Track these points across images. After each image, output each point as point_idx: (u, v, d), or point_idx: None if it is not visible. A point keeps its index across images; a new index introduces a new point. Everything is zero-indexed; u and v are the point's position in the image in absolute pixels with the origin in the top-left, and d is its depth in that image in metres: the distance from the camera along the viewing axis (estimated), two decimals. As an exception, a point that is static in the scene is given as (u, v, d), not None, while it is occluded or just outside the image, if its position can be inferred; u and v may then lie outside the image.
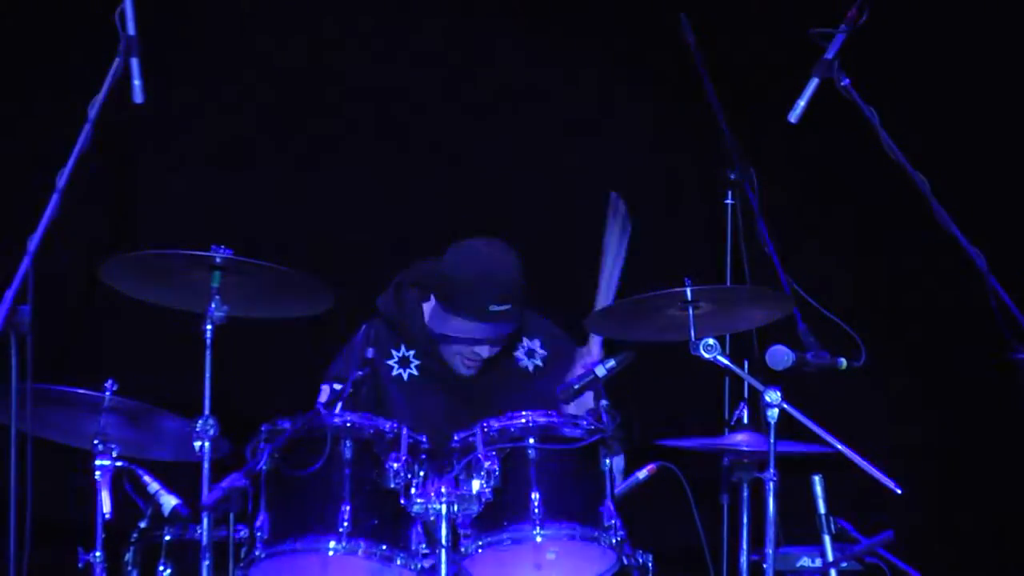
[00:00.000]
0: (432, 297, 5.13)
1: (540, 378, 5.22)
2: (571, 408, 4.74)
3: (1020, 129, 6.39)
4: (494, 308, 4.99)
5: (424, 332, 5.15)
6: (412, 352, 5.19)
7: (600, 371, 4.64)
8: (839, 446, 4.39)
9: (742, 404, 4.84)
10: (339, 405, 4.62)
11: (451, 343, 5.10)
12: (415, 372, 5.19)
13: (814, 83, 4.60)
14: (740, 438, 4.78)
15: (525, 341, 5.26)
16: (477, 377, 5.17)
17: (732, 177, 5.40)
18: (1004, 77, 6.40)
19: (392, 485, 4.38)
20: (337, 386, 4.93)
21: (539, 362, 5.25)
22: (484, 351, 5.10)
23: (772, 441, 4.41)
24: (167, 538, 4.69)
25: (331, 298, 4.69)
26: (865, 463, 4.37)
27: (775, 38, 6.14)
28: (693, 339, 4.53)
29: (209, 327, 4.49)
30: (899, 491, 4.36)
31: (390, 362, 5.18)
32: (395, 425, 4.45)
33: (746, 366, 4.82)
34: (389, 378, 5.14)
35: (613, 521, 4.39)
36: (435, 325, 5.11)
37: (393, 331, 5.19)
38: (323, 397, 5.02)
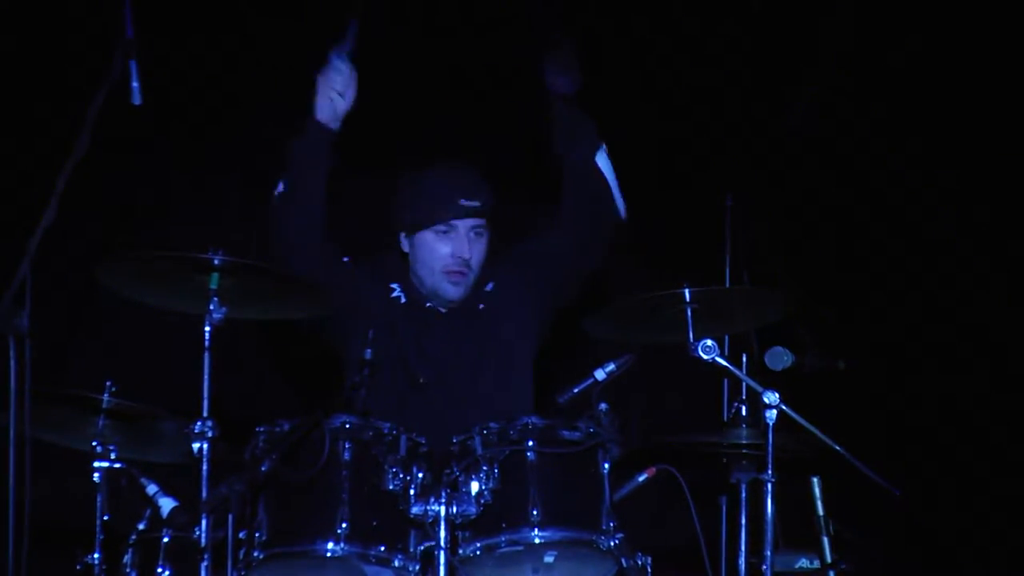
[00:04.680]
0: (405, 236, 5.15)
1: (495, 301, 5.17)
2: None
3: (1020, 129, 6.40)
4: (465, 203, 5.05)
5: (410, 281, 5.16)
6: (404, 292, 5.19)
7: (600, 375, 4.64)
8: (837, 448, 4.39)
9: (741, 398, 4.84)
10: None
11: (433, 254, 5.08)
12: (403, 301, 5.17)
13: (812, 89, 4.60)
14: (740, 432, 4.79)
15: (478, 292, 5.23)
16: (452, 334, 5.15)
17: (732, 179, 5.42)
18: (1004, 77, 6.41)
19: (391, 487, 4.39)
20: None
21: (489, 289, 5.19)
22: (465, 249, 5.06)
23: (770, 442, 4.41)
24: (165, 540, 4.70)
25: (331, 300, 4.70)
26: (862, 465, 4.37)
27: (775, 41, 6.16)
28: (691, 340, 4.53)
29: (207, 329, 4.49)
30: (896, 492, 4.36)
31: (391, 284, 5.17)
32: (394, 427, 4.46)
33: (744, 367, 4.83)
34: (388, 300, 5.13)
35: (611, 524, 4.39)
36: (419, 254, 5.12)
37: (387, 272, 5.21)
38: None
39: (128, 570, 4.72)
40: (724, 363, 4.52)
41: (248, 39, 6.31)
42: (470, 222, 5.08)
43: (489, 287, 5.18)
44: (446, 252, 5.07)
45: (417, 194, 5.12)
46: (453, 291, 5.11)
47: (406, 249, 5.18)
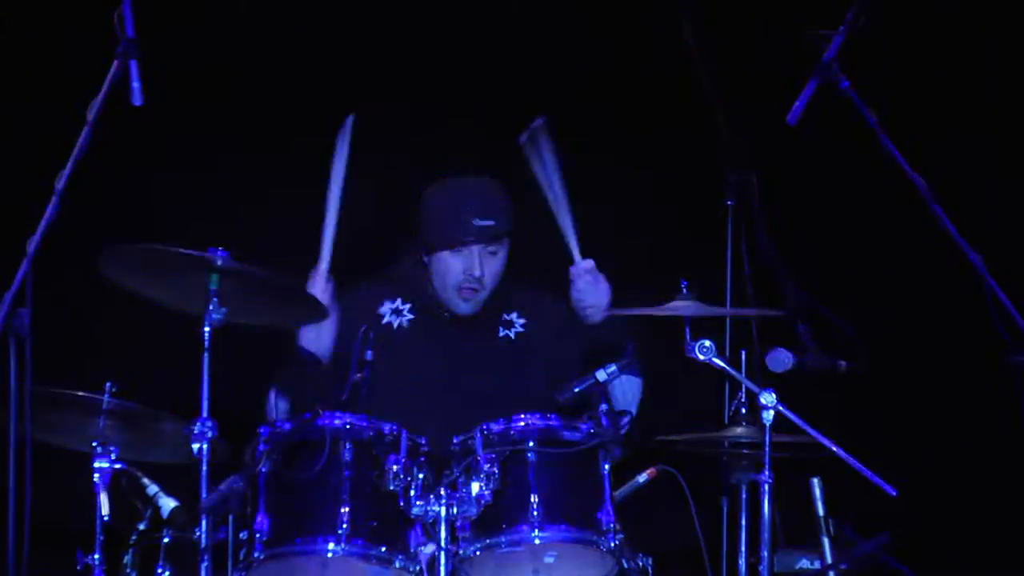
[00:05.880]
0: (424, 248, 5.22)
1: (525, 342, 5.22)
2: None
3: (1019, 129, 6.39)
4: (478, 223, 5.08)
5: (425, 290, 5.21)
6: (408, 306, 5.21)
7: (601, 376, 4.63)
8: (834, 448, 4.39)
9: (740, 394, 4.83)
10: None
11: (447, 270, 5.14)
12: (405, 324, 5.20)
13: (812, 85, 4.59)
14: (740, 431, 4.78)
15: (503, 315, 5.25)
16: (467, 338, 5.19)
17: (732, 179, 5.40)
18: (1004, 77, 6.41)
19: (391, 487, 4.39)
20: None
21: (520, 329, 5.24)
22: (476, 267, 5.11)
23: (768, 443, 4.41)
24: (166, 540, 4.70)
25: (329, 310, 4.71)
26: (859, 465, 4.36)
27: (775, 39, 6.15)
28: (688, 340, 4.53)
29: (207, 329, 4.48)
30: (893, 493, 4.36)
31: (381, 310, 5.19)
32: (395, 427, 4.46)
33: (743, 367, 4.82)
34: (379, 327, 5.14)
35: (612, 524, 4.39)
36: (435, 270, 5.18)
37: (390, 287, 5.25)
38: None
39: (128, 570, 4.73)
40: (721, 364, 4.52)
41: (248, 38, 6.31)
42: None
43: (520, 324, 5.24)
44: (459, 270, 5.13)
45: (433, 213, 5.17)
46: (464, 307, 5.18)
47: (426, 260, 5.23)
